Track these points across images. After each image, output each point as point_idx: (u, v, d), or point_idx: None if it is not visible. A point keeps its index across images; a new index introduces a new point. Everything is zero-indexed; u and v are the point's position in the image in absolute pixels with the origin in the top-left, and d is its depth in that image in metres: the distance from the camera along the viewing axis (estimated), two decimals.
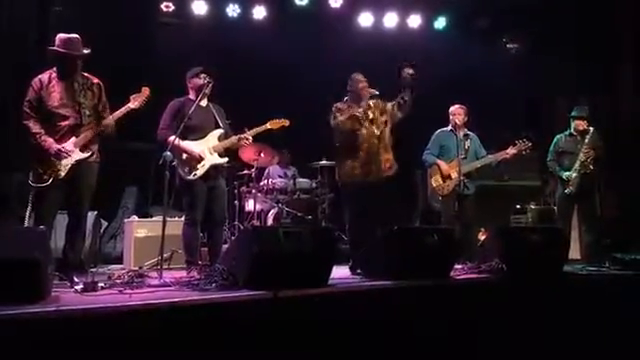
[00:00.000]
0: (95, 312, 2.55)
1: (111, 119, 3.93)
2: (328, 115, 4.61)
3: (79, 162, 3.82)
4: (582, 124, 5.51)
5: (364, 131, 4.52)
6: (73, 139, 3.81)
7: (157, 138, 4.37)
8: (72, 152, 3.79)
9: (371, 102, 4.63)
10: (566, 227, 5.34)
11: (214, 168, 4.37)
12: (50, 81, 3.83)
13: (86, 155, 3.86)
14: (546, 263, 4.29)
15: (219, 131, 4.47)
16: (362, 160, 4.50)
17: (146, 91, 4.03)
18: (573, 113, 5.63)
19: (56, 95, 3.81)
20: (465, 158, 5.34)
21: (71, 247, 3.85)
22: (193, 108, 4.26)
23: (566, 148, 5.56)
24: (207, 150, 4.36)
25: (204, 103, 4.48)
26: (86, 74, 3.97)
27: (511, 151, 5.40)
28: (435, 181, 5.44)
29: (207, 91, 4.40)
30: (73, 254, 3.85)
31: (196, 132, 4.36)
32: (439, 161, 5.45)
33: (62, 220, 3.96)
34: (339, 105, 4.60)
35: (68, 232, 3.89)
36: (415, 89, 4.59)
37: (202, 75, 4.42)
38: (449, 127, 5.53)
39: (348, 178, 4.55)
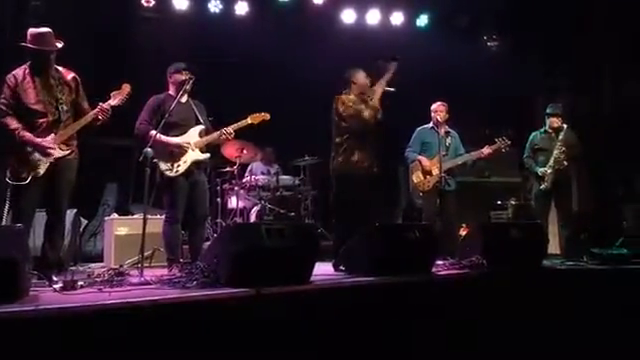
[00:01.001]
0: (74, 311, 2.52)
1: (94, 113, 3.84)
2: (334, 107, 4.59)
3: (58, 159, 3.75)
4: (556, 121, 5.63)
5: (360, 122, 4.54)
6: (52, 136, 3.74)
7: (135, 133, 4.28)
8: (52, 148, 3.71)
9: (371, 95, 4.64)
10: (543, 222, 5.43)
11: (196, 164, 4.33)
12: (25, 77, 3.73)
13: (66, 153, 3.79)
14: (526, 258, 4.34)
15: (200, 127, 4.41)
16: (369, 152, 4.54)
17: (127, 88, 3.96)
18: (548, 110, 5.75)
19: (32, 91, 3.72)
20: (446, 155, 5.40)
21: (51, 245, 3.79)
22: (174, 104, 4.21)
23: (541, 145, 5.69)
24: (189, 146, 4.30)
25: (184, 99, 4.40)
26: (61, 69, 3.88)
27: (486, 150, 5.51)
28: (416, 177, 5.49)
29: (188, 87, 4.35)
30: (53, 252, 3.78)
31: (176, 128, 4.30)
32: (420, 157, 5.51)
33: (40, 218, 3.89)
34: (346, 98, 4.60)
35: (47, 230, 3.82)
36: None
37: (184, 71, 4.36)
38: (430, 124, 5.60)
39: (350, 170, 4.52)
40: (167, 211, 4.36)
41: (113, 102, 3.88)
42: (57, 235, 3.86)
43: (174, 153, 4.25)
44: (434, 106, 5.58)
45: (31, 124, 3.71)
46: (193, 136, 4.35)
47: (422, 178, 5.43)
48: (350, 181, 4.53)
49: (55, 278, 3.42)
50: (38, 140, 3.68)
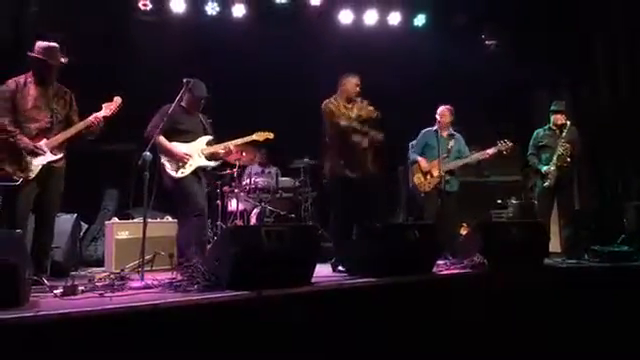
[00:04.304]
0: (75, 316, 2.51)
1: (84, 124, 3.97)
2: (320, 112, 4.68)
3: (50, 165, 3.85)
4: (561, 118, 5.62)
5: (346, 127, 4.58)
6: (44, 141, 3.86)
7: (144, 136, 4.38)
8: (43, 152, 3.82)
9: (363, 103, 4.71)
10: (546, 220, 5.43)
11: (201, 170, 4.57)
12: (25, 84, 3.87)
13: (57, 157, 3.90)
14: (527, 257, 4.34)
15: (208, 137, 4.66)
16: (349, 157, 4.57)
17: (118, 100, 4.12)
18: (552, 107, 5.74)
19: (30, 98, 3.85)
20: (447, 157, 5.47)
21: (39, 250, 3.83)
22: (182, 115, 4.53)
23: (545, 142, 5.67)
24: (195, 152, 4.52)
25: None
26: (58, 84, 4.03)
27: (491, 151, 5.55)
28: (417, 178, 5.54)
29: (199, 108, 4.67)
30: (44, 258, 3.85)
31: (186, 135, 4.54)
32: (419, 158, 5.58)
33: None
34: (331, 104, 4.67)
35: (35, 236, 3.88)
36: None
37: (203, 100, 4.61)
38: (435, 127, 5.67)
39: (335, 174, 4.61)
40: (181, 211, 4.53)
41: (105, 113, 4.04)
42: (45, 241, 3.93)
43: (177, 157, 4.44)
44: (439, 109, 5.67)
45: (24, 129, 3.81)
46: (201, 144, 4.59)
47: (422, 179, 5.50)
48: (339, 183, 4.60)
49: (46, 282, 3.44)
50: (31, 144, 3.77)
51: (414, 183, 5.57)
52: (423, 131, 5.75)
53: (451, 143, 5.56)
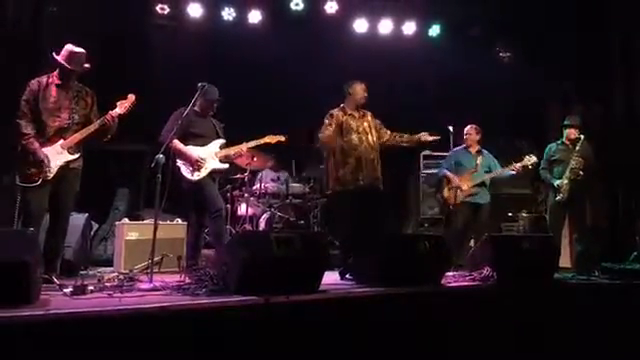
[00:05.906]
0: (84, 316, 2.53)
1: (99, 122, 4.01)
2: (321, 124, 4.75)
3: (67, 165, 3.90)
4: (574, 132, 5.59)
5: (354, 137, 4.66)
6: (61, 141, 3.91)
7: (159, 139, 4.42)
8: (60, 155, 3.88)
9: (369, 116, 4.81)
10: (557, 235, 5.38)
11: (215, 172, 4.64)
12: (47, 84, 3.94)
13: (75, 157, 3.95)
14: (536, 271, 4.31)
15: (221, 140, 4.73)
16: (352, 166, 4.62)
17: (132, 97, 4.14)
18: (565, 122, 5.72)
19: (51, 98, 3.92)
20: (476, 172, 5.72)
21: (52, 249, 3.88)
22: (195, 119, 4.62)
23: (558, 156, 5.63)
24: (210, 155, 4.58)
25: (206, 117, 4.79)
26: (80, 84, 4.10)
27: (519, 165, 5.72)
28: (446, 192, 5.82)
29: (212, 111, 4.78)
30: (53, 256, 3.88)
31: (199, 139, 4.61)
32: (447, 173, 5.83)
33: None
34: (327, 118, 4.75)
35: (49, 234, 3.93)
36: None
37: (216, 102, 4.69)
38: (463, 145, 5.94)
39: (339, 186, 4.61)
40: (196, 214, 4.65)
41: (119, 110, 4.06)
42: (58, 240, 3.97)
43: (191, 160, 4.51)
44: (466, 129, 5.96)
45: (43, 127, 3.88)
46: (215, 147, 4.66)
47: (452, 193, 5.73)
48: (344, 194, 4.63)
49: (56, 280, 3.46)
50: (40, 153, 3.81)
51: (445, 196, 5.83)
52: (454, 149, 5.93)
53: (479, 159, 5.81)
